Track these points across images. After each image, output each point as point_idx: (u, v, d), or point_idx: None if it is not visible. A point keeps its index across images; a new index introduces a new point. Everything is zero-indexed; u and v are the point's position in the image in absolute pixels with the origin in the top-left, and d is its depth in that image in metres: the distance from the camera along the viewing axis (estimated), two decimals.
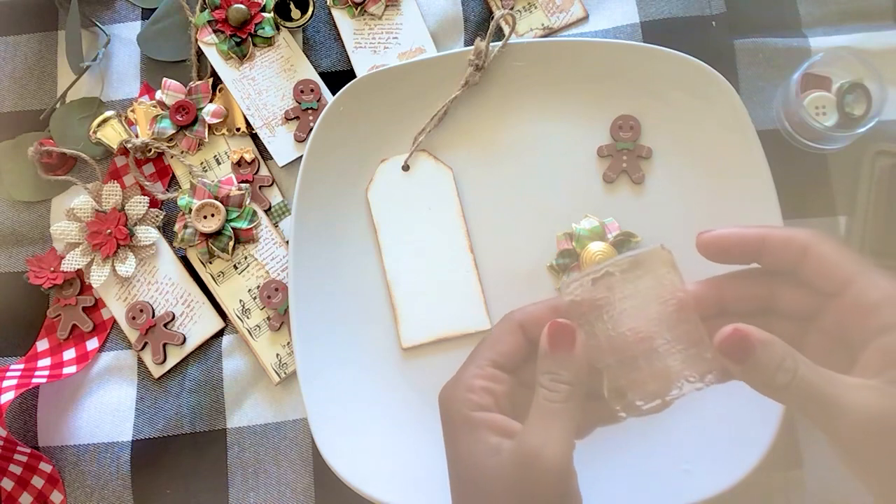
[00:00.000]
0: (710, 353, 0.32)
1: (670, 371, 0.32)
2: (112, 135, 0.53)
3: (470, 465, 0.32)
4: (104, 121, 0.53)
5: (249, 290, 0.52)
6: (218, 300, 0.52)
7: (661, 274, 0.32)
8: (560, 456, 0.31)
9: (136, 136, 0.53)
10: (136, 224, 0.53)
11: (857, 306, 0.31)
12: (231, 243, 0.52)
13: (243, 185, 0.53)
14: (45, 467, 0.49)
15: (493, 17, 0.51)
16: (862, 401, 0.29)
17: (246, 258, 0.52)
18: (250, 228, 0.52)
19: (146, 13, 0.58)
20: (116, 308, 0.52)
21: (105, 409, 0.51)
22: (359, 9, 0.54)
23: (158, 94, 0.54)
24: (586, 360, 0.33)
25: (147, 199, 0.53)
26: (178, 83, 0.54)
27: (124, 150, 0.53)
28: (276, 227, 0.53)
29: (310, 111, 0.54)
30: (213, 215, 0.51)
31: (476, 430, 0.32)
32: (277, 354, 0.51)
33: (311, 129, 0.51)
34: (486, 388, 0.33)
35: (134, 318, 0.52)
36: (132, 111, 0.54)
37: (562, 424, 0.32)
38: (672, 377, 0.32)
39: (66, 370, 0.50)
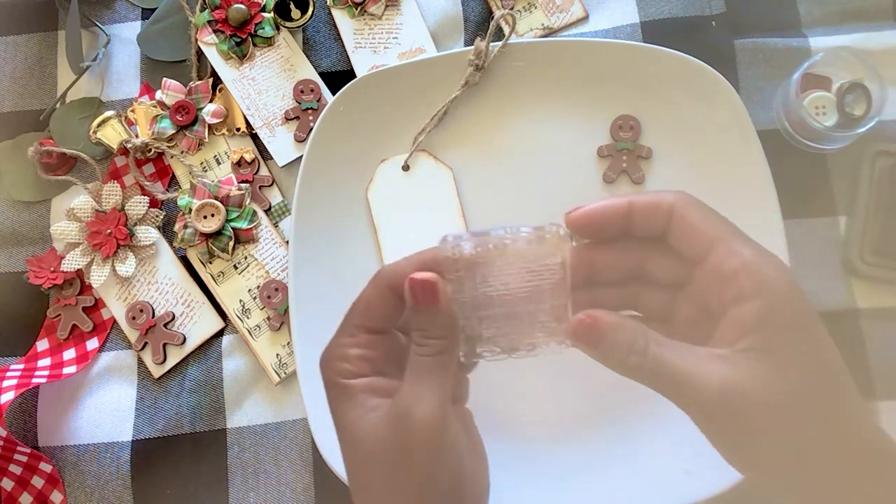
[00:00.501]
0: (564, 322, 0.32)
1: (525, 335, 0.32)
2: (112, 135, 0.53)
3: (349, 430, 0.32)
4: (104, 121, 0.53)
5: (249, 290, 0.52)
6: (218, 300, 0.52)
7: (547, 252, 0.32)
8: (431, 412, 0.30)
9: (136, 136, 0.53)
10: (136, 224, 0.53)
11: (715, 274, 0.30)
12: (231, 243, 0.52)
13: (243, 185, 0.53)
14: (45, 467, 0.49)
15: (493, 17, 0.51)
16: (712, 373, 0.29)
17: (246, 258, 0.52)
18: (250, 228, 0.52)
19: (146, 13, 0.58)
20: (116, 308, 0.52)
21: (105, 409, 0.51)
22: (359, 9, 0.54)
23: (158, 94, 0.54)
24: (454, 312, 0.31)
25: (147, 199, 0.53)
26: (178, 83, 0.54)
27: (124, 150, 0.53)
28: (276, 227, 0.53)
29: (310, 111, 0.54)
30: (213, 215, 0.51)
31: (353, 396, 0.32)
32: (277, 354, 0.51)
33: (311, 129, 0.51)
34: (361, 356, 0.32)
35: (134, 318, 0.52)
36: (132, 111, 0.54)
37: (433, 380, 0.31)
38: (525, 340, 0.32)
39: (66, 370, 0.50)
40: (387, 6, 0.55)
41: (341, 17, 0.55)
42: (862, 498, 0.29)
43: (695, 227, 0.31)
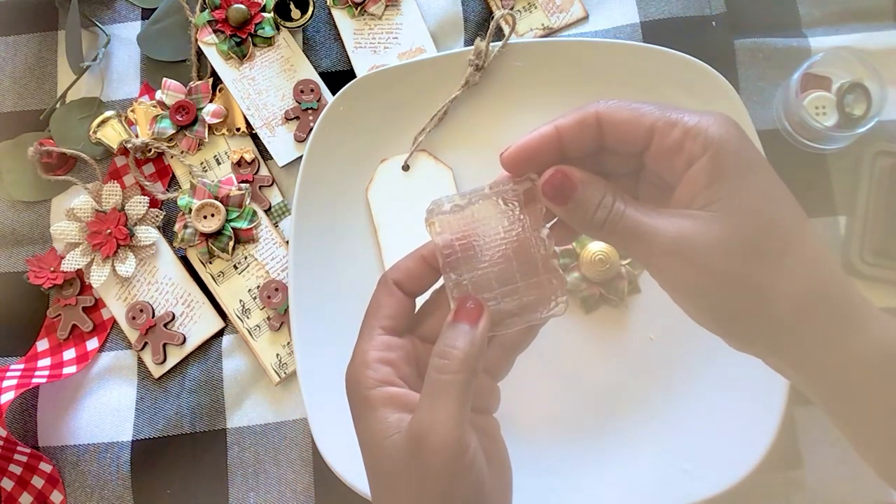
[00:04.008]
0: (556, 278, 0.33)
1: (525, 308, 0.33)
2: (112, 135, 0.53)
3: (371, 447, 0.31)
4: (104, 121, 0.53)
5: (249, 290, 0.52)
6: (218, 300, 0.52)
7: (507, 210, 0.33)
8: (448, 434, 0.29)
9: (136, 136, 0.53)
10: (136, 224, 0.53)
11: (664, 150, 0.30)
12: (231, 243, 0.52)
13: (243, 185, 0.53)
14: (45, 467, 0.49)
15: (493, 17, 0.51)
16: (668, 225, 0.29)
17: (246, 258, 0.52)
18: (250, 228, 0.52)
19: (146, 13, 0.58)
20: (116, 308, 0.52)
21: (105, 409, 0.51)
22: (359, 9, 0.54)
23: (158, 94, 0.54)
24: (486, 337, 0.32)
25: (147, 199, 0.53)
26: (178, 83, 0.54)
27: (124, 150, 0.53)
28: (276, 227, 0.53)
29: (310, 111, 0.54)
30: (213, 215, 0.51)
31: (376, 410, 0.31)
32: (277, 354, 0.51)
33: (311, 129, 0.51)
34: (382, 359, 0.32)
35: (134, 318, 0.52)
36: (132, 111, 0.54)
37: (451, 400, 0.30)
38: (526, 313, 0.33)
39: (66, 370, 0.50)
40: (387, 6, 0.55)
41: (341, 17, 0.55)
42: (827, 340, 0.29)
43: (628, 122, 0.31)
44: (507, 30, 0.50)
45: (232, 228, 0.52)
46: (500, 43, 0.50)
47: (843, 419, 0.31)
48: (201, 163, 0.54)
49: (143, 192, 0.53)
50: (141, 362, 0.52)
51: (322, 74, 0.55)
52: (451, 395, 0.30)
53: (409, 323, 0.34)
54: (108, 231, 0.52)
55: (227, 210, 0.52)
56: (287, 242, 0.52)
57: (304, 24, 0.54)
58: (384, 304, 0.34)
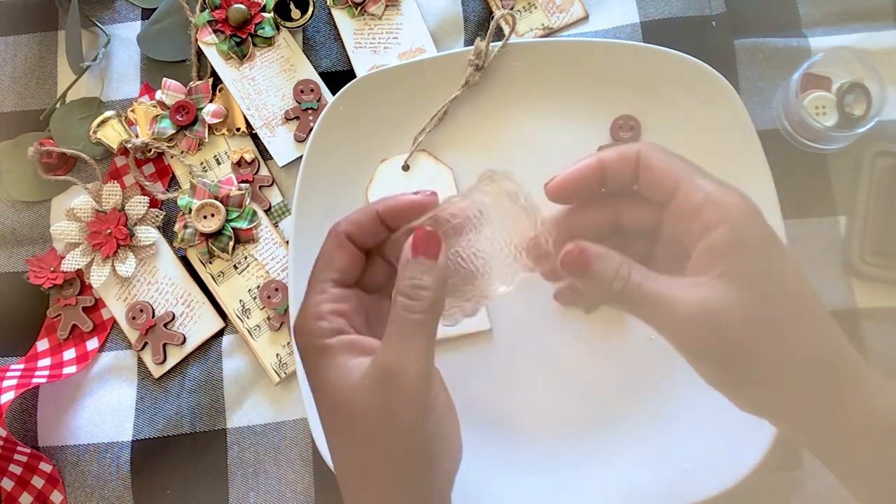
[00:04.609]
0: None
1: (490, 292, 0.34)
2: (112, 135, 0.53)
3: (331, 392, 0.32)
4: (104, 121, 0.53)
5: (249, 290, 0.52)
6: (218, 300, 0.52)
7: (471, 204, 0.33)
8: (419, 371, 0.30)
9: (136, 136, 0.53)
10: (136, 224, 0.53)
11: (683, 210, 0.32)
12: (231, 243, 0.52)
13: (243, 185, 0.53)
14: (45, 467, 0.49)
15: (493, 17, 0.51)
16: (690, 296, 0.30)
17: (246, 258, 0.52)
18: (250, 228, 0.52)
19: (146, 13, 0.58)
20: (116, 308, 0.52)
21: (105, 409, 0.51)
22: (359, 9, 0.54)
23: (158, 94, 0.54)
24: (447, 268, 0.32)
25: (147, 199, 0.53)
26: (178, 83, 0.54)
27: (124, 150, 0.53)
28: (276, 227, 0.53)
29: (310, 111, 0.54)
30: (213, 215, 0.51)
31: (334, 356, 0.32)
32: (277, 354, 0.51)
33: (311, 129, 0.51)
34: (335, 310, 0.33)
35: (134, 318, 0.52)
36: (132, 111, 0.54)
37: (421, 338, 0.31)
38: (489, 296, 0.34)
39: (66, 370, 0.50)
40: (387, 6, 0.55)
41: (341, 17, 0.55)
42: (830, 407, 0.31)
43: (660, 169, 0.33)
44: (507, 30, 0.50)
45: (232, 228, 0.52)
46: (500, 43, 0.50)
47: (845, 476, 0.32)
48: (201, 163, 0.54)
49: (143, 192, 0.53)
50: (141, 362, 0.52)
51: (322, 74, 0.55)
52: (421, 331, 0.31)
53: (357, 271, 0.35)
54: (108, 231, 0.52)
55: (227, 210, 0.52)
56: (287, 242, 0.52)
57: (304, 24, 0.54)
58: (336, 256, 0.34)
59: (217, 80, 0.55)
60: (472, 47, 0.50)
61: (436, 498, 0.33)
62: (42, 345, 0.52)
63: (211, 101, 0.54)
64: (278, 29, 0.55)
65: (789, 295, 0.31)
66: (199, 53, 0.55)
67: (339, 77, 0.55)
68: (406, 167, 0.51)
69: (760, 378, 0.30)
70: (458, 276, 0.33)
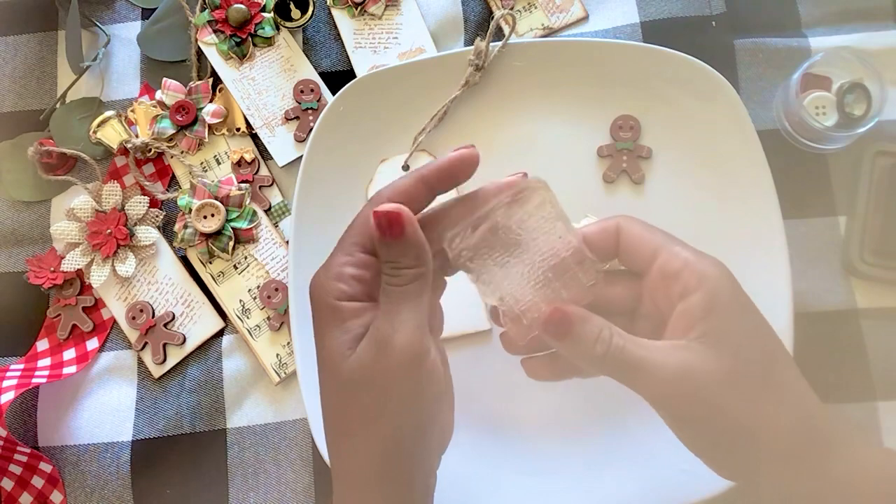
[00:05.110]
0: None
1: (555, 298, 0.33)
2: (112, 135, 0.53)
3: (333, 357, 0.32)
4: (104, 121, 0.53)
5: (249, 290, 0.52)
6: (218, 300, 0.52)
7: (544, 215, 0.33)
8: (409, 337, 0.31)
9: (136, 136, 0.53)
10: (136, 224, 0.53)
11: (661, 278, 0.33)
12: (231, 243, 0.52)
13: (243, 185, 0.53)
14: (45, 467, 0.49)
15: (493, 17, 0.51)
16: (668, 359, 0.31)
17: (246, 258, 0.52)
18: (250, 228, 0.52)
19: (146, 13, 0.58)
20: (116, 308, 0.52)
21: (105, 409, 0.51)
22: (359, 9, 0.54)
23: (158, 94, 0.54)
24: (422, 240, 0.32)
25: (147, 199, 0.53)
26: (178, 83, 0.54)
27: (124, 150, 0.53)
28: (276, 227, 0.53)
29: (310, 111, 0.54)
30: (213, 215, 0.51)
31: (343, 320, 0.32)
32: (277, 354, 0.51)
33: (311, 129, 0.51)
34: (356, 276, 0.32)
35: (134, 318, 0.52)
36: (132, 111, 0.54)
37: (409, 307, 0.31)
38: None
39: (66, 370, 0.50)
40: (387, 6, 0.55)
41: (341, 17, 0.55)
42: (811, 473, 0.31)
43: (639, 238, 0.34)
44: (507, 30, 0.50)
45: (232, 228, 0.52)
46: (500, 43, 0.50)
47: None
48: (201, 163, 0.54)
49: (143, 192, 0.53)
50: (141, 362, 0.52)
51: (322, 74, 0.55)
52: (408, 301, 0.32)
53: None
54: (108, 231, 0.52)
55: (227, 210, 0.52)
56: (287, 242, 0.52)
57: (304, 24, 0.54)
58: (370, 222, 0.33)
59: (217, 80, 0.55)
60: (472, 47, 0.50)
61: (424, 470, 0.33)
62: (42, 345, 0.52)
63: (211, 101, 0.54)
64: (278, 29, 0.55)
65: (766, 359, 0.32)
66: (199, 53, 0.55)
67: (339, 77, 0.55)
68: (406, 167, 0.51)
69: (738, 442, 0.31)
70: (506, 258, 0.32)
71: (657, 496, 0.45)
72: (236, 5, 0.54)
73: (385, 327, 0.31)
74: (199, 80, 0.55)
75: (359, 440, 0.32)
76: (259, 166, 0.54)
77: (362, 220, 0.34)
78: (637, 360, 0.31)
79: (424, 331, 0.32)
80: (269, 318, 0.51)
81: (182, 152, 0.54)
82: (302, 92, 0.54)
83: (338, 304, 0.32)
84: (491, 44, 0.50)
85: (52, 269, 0.52)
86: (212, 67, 0.55)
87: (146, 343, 0.51)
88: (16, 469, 0.49)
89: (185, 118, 0.53)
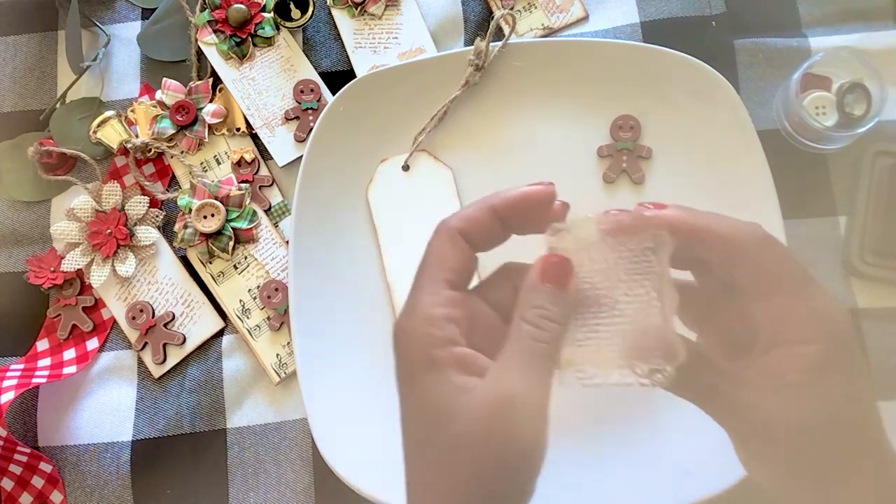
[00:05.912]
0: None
1: (619, 353, 0.30)
2: (112, 135, 0.53)
3: (434, 409, 0.29)
4: (104, 121, 0.53)
5: (249, 290, 0.52)
6: (218, 300, 0.52)
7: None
8: (539, 402, 0.28)
9: (136, 136, 0.53)
10: (136, 224, 0.53)
11: (780, 314, 0.30)
12: (231, 243, 0.52)
13: (243, 185, 0.53)
14: (45, 467, 0.49)
15: (493, 17, 0.51)
16: (772, 407, 0.29)
17: (246, 258, 0.52)
18: (250, 228, 0.52)
19: (146, 13, 0.58)
20: (116, 308, 0.52)
21: (105, 409, 0.51)
22: (359, 9, 0.54)
23: (158, 94, 0.54)
24: (575, 304, 0.30)
25: (147, 199, 0.53)
26: (178, 83, 0.54)
27: (124, 150, 0.53)
28: (276, 227, 0.53)
29: (310, 111, 0.54)
30: (213, 215, 0.51)
31: (441, 370, 0.29)
32: (277, 354, 0.51)
33: (311, 129, 0.51)
34: (447, 316, 0.29)
35: (134, 318, 0.52)
36: (132, 111, 0.54)
37: (543, 367, 0.29)
38: (618, 361, 0.30)
39: (66, 370, 0.50)
40: (387, 6, 0.55)
41: (341, 17, 0.55)
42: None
43: (767, 270, 0.30)
44: (507, 30, 0.50)
45: (232, 228, 0.52)
46: (500, 43, 0.50)
47: None
48: (201, 163, 0.54)
49: (143, 192, 0.53)
50: (141, 362, 0.52)
51: (322, 74, 0.55)
52: (545, 361, 0.29)
53: (470, 274, 0.31)
54: (108, 231, 0.52)
55: (227, 210, 0.52)
56: (287, 242, 0.52)
57: (304, 24, 0.54)
58: (449, 255, 0.30)
59: (217, 80, 0.55)
60: (472, 47, 0.50)
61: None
62: (42, 345, 0.52)
63: (211, 101, 0.54)
64: (278, 29, 0.55)
65: (858, 415, 0.30)
66: (199, 53, 0.55)
67: (339, 77, 0.55)
68: (406, 167, 0.51)
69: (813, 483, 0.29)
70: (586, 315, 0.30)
71: (657, 496, 0.45)
72: (236, 5, 0.54)
73: (511, 383, 0.28)
74: (199, 80, 0.55)
75: (460, 495, 0.29)
76: (259, 166, 0.54)
77: (440, 255, 0.31)
78: (741, 405, 0.29)
79: (549, 398, 0.29)
80: (269, 318, 0.51)
81: (182, 152, 0.54)
82: (302, 92, 0.54)
83: (433, 353, 0.29)
84: (491, 44, 0.50)
85: (52, 269, 0.52)
86: (212, 67, 0.55)
87: (146, 343, 0.51)
88: (16, 469, 0.49)
89: (185, 118, 0.53)
